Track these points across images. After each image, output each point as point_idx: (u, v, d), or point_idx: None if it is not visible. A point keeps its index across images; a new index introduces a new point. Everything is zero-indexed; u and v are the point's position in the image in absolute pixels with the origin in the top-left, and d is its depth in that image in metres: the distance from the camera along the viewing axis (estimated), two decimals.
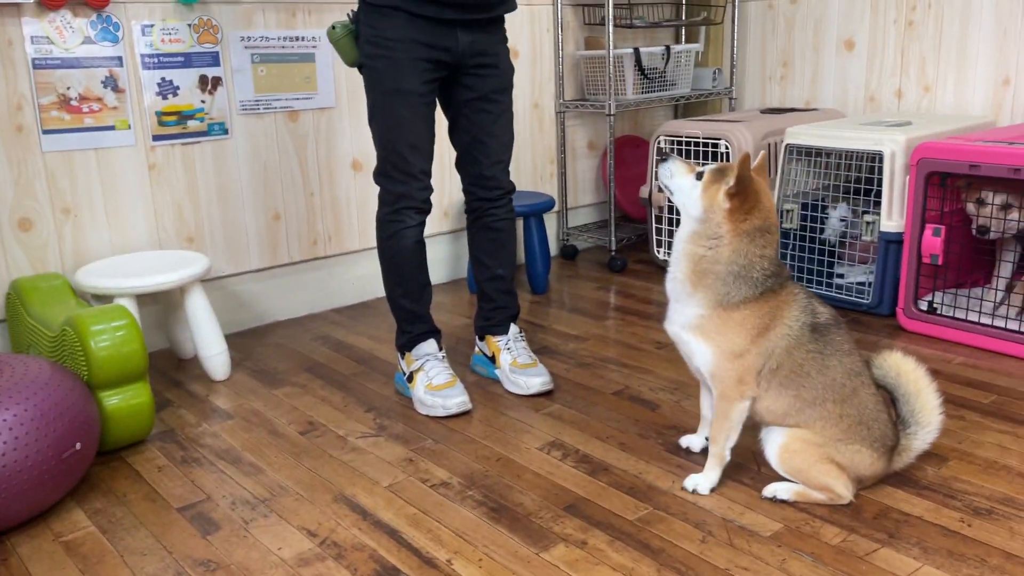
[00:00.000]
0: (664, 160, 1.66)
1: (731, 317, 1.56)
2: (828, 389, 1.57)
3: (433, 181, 2.08)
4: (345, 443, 1.96)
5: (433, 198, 2.10)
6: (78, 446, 1.70)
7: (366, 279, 3.01)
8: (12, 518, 1.61)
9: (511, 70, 2.12)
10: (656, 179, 1.69)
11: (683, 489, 1.69)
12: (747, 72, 3.60)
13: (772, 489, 1.65)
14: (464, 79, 2.05)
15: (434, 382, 2.09)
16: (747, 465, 1.77)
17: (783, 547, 1.50)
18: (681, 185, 1.62)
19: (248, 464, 1.88)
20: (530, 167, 3.38)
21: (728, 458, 1.67)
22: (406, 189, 2.03)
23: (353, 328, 2.75)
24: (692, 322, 1.61)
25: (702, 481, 1.68)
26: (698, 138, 3.01)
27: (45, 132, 2.26)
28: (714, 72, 3.56)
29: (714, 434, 1.67)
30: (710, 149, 3.00)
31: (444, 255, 3.19)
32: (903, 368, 1.64)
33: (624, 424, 1.99)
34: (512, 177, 2.21)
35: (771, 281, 1.57)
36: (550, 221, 3.47)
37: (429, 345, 2.16)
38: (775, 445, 1.62)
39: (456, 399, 2.06)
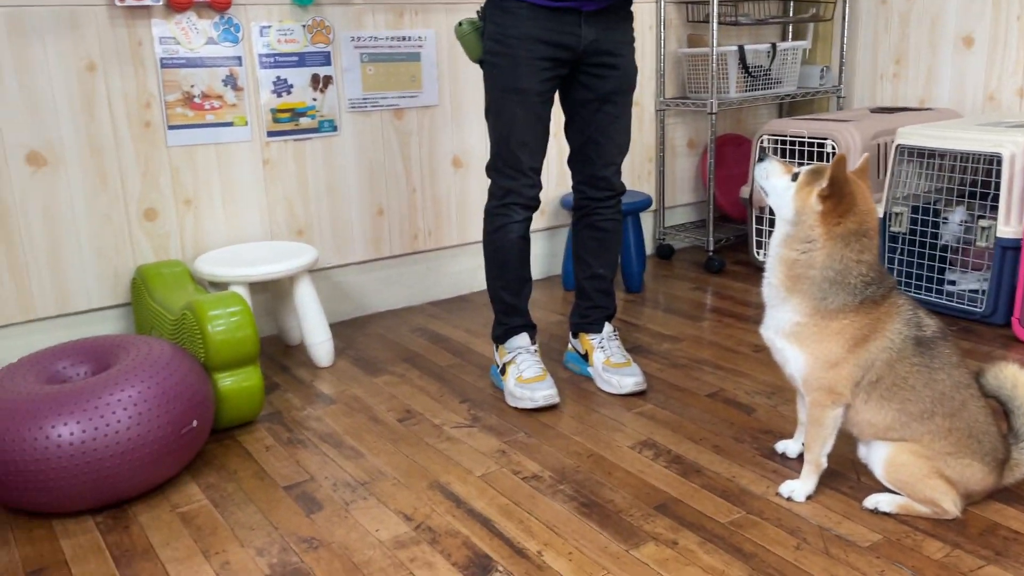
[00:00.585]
0: (761, 160, 1.64)
1: (828, 326, 1.54)
2: (936, 403, 1.52)
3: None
4: (440, 432, 2.01)
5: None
6: (195, 424, 1.81)
7: (463, 274, 3.07)
8: (134, 488, 1.73)
9: (634, 71, 2.12)
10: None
11: (778, 495, 1.67)
12: (857, 70, 3.48)
13: (874, 500, 1.61)
14: (583, 78, 2.06)
15: (524, 375, 2.12)
16: (845, 474, 1.73)
17: (882, 559, 1.46)
18: (776, 186, 1.60)
19: (349, 448, 1.95)
20: (627, 165, 3.37)
21: (824, 465, 1.64)
22: (514, 185, 2.08)
23: (449, 321, 2.81)
24: (787, 328, 1.59)
25: (798, 488, 1.66)
26: (803, 137, 2.94)
27: (170, 128, 2.40)
28: (822, 70, 3.46)
29: (809, 441, 1.64)
30: (815, 149, 2.92)
31: (540, 251, 3.22)
32: (1020, 380, 1.57)
33: (718, 427, 1.98)
34: None
35: (871, 289, 1.53)
36: (646, 220, 3.45)
37: (523, 339, 2.19)
38: (881, 458, 1.58)
39: (544, 392, 2.09)
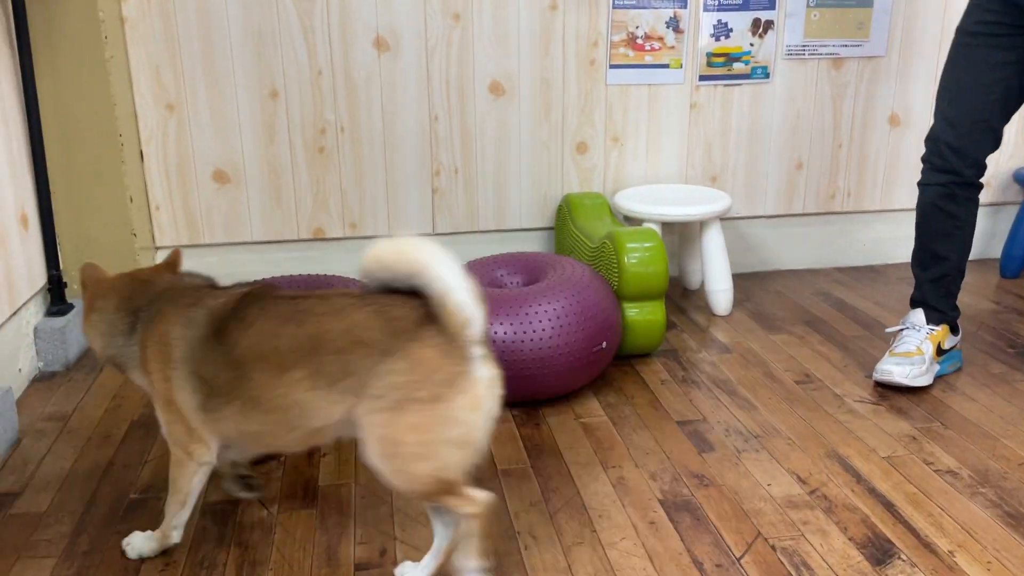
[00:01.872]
0: None
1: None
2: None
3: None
4: (841, 403, 1.91)
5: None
6: (604, 345, 1.94)
7: (880, 242, 2.84)
8: (545, 393, 1.91)
9: None
10: None
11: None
12: None
13: None
14: None
15: (896, 349, 1.95)
16: None
17: None
18: None
19: (742, 398, 1.95)
20: None
21: (176, 540, 1.42)
22: (929, 136, 1.91)
23: (858, 290, 2.63)
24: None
25: (136, 543, 1.41)
26: None
27: (611, 67, 2.53)
28: None
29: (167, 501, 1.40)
30: None
31: (978, 228, 2.85)
32: (390, 251, 1.18)
33: None
34: None
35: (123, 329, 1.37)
36: None
37: (917, 315, 2.00)
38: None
39: (900, 368, 1.91)
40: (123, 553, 1.41)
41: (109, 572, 1.37)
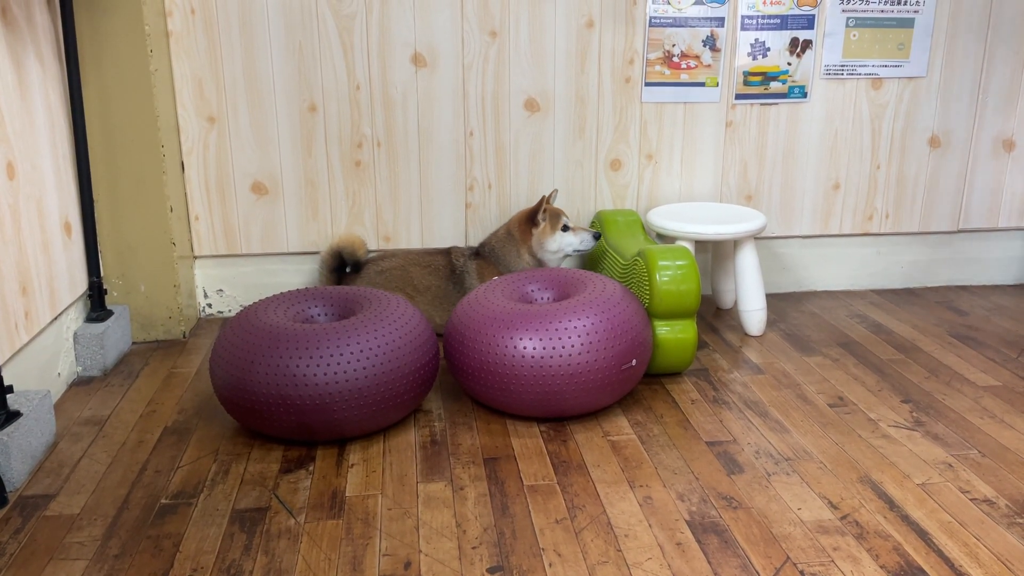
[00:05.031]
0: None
1: None
2: None
3: None
4: (876, 427, 1.88)
5: None
6: (634, 363, 1.93)
7: (918, 265, 2.79)
8: (574, 409, 1.90)
9: None
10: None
11: None
12: None
13: None
14: None
15: None
16: None
17: None
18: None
19: (774, 420, 1.92)
20: None
21: None
22: None
23: (895, 313, 2.59)
24: None
25: None
26: None
27: (647, 84, 2.53)
28: None
29: None
30: None
31: (1017, 254, 2.79)
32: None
33: None
34: None
35: None
36: None
37: None
38: None
39: None
40: (152, 557, 1.43)
41: (139, 575, 1.39)
